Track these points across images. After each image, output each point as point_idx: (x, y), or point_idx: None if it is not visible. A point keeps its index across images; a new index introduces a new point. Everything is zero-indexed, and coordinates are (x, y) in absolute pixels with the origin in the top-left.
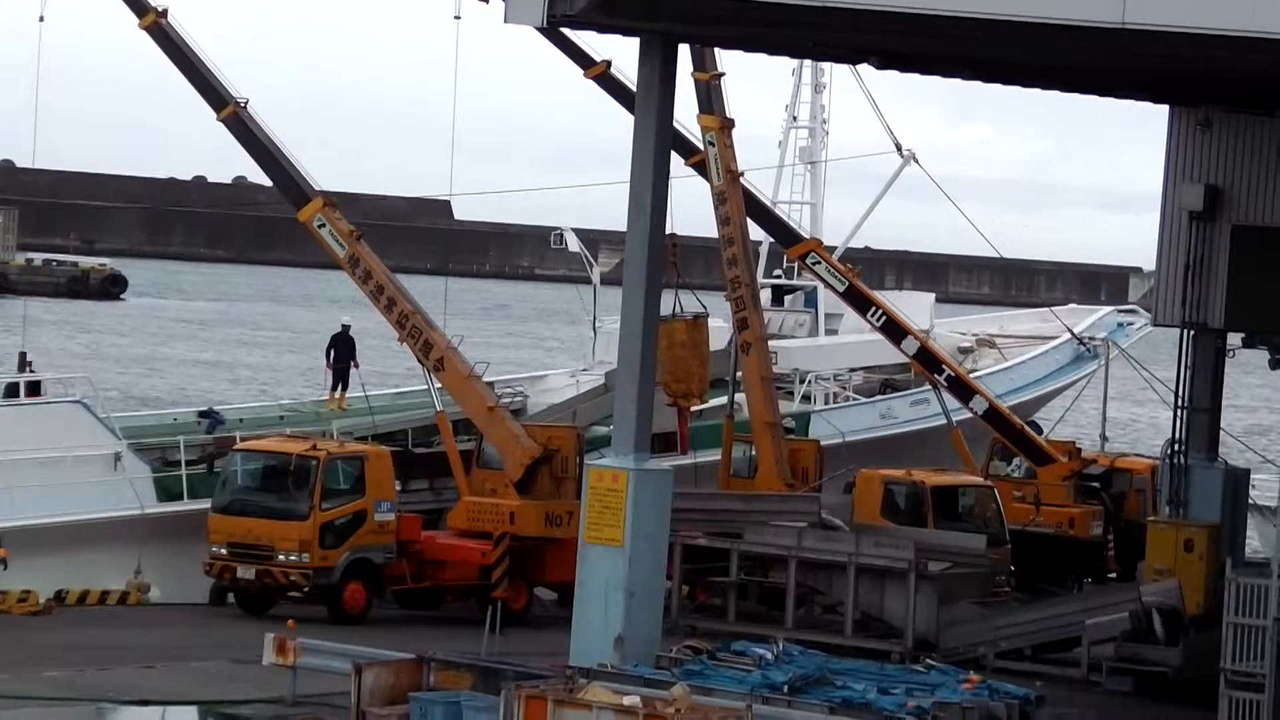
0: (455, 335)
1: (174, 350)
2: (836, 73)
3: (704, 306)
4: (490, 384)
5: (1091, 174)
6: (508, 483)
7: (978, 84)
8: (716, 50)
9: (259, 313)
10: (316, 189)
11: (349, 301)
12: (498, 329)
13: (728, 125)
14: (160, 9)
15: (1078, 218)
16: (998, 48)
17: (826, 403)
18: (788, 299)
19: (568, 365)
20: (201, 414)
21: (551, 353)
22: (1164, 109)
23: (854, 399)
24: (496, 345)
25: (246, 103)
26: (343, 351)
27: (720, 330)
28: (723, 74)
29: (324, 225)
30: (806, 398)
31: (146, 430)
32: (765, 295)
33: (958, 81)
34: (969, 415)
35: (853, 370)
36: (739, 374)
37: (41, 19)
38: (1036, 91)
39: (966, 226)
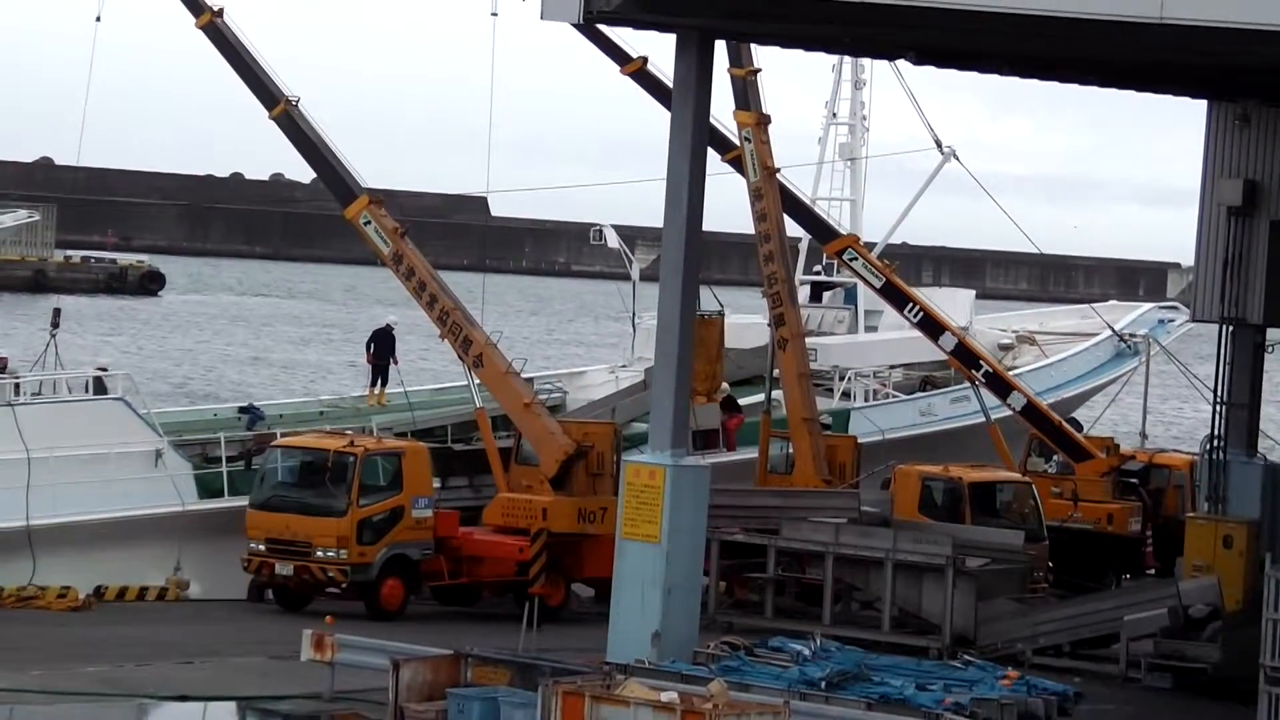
0: (494, 331)
1: (213, 346)
2: (877, 68)
3: (720, 304)
4: (529, 380)
5: (1133, 168)
6: (543, 479)
7: (1018, 78)
8: (753, 46)
9: (298, 309)
10: (363, 186)
11: (388, 298)
12: (539, 325)
13: (764, 121)
14: (216, 8)
15: (1118, 213)
16: (1035, 43)
17: (866, 400)
18: (826, 295)
19: (609, 361)
20: (242, 410)
21: (593, 349)
22: (1203, 104)
23: (894, 396)
24: (538, 342)
25: (298, 101)
26: (383, 347)
27: (757, 327)
28: (759, 70)
29: (369, 222)
30: (846, 394)
31: (187, 426)
32: (804, 292)
33: (997, 76)
34: (1007, 412)
35: (892, 367)
36: (776, 371)
37: (98, 19)
38: (1077, 85)
39: (1004, 222)
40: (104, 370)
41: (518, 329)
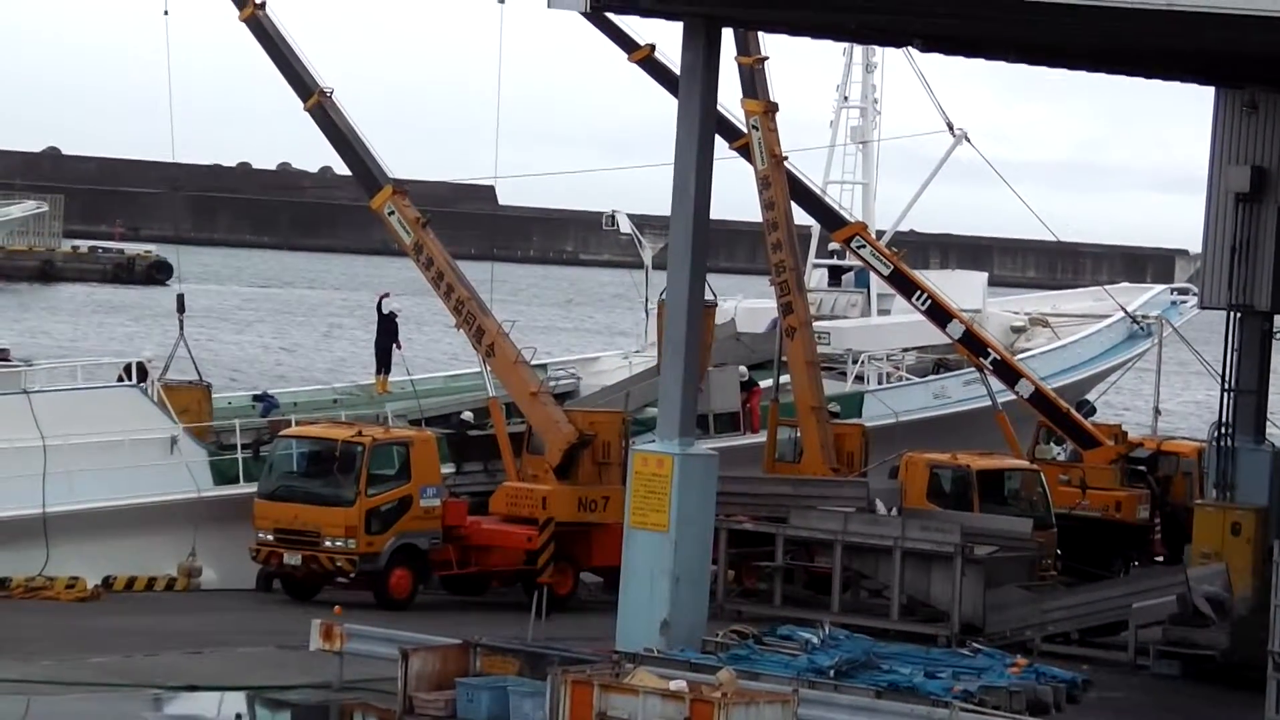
0: (506, 320)
1: (225, 335)
2: (889, 53)
3: (713, 293)
4: (543, 366)
5: (1144, 155)
6: (548, 467)
7: (1026, 64)
8: (760, 34)
9: (310, 298)
10: (389, 177)
11: (395, 288)
12: (558, 313)
13: (772, 109)
14: (259, 1)
15: (1129, 200)
16: (1042, 30)
17: (880, 383)
18: (844, 278)
19: (623, 348)
20: (256, 398)
21: (611, 335)
22: (1211, 90)
23: (907, 379)
24: (557, 330)
25: (332, 92)
26: (384, 334)
27: (770, 311)
28: (766, 58)
29: (393, 212)
30: (860, 378)
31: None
32: (822, 275)
33: (1004, 62)
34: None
35: (905, 350)
36: (784, 358)
37: (166, 12)
38: (1084, 72)
39: (1011, 209)
40: (149, 360)
41: (533, 317)
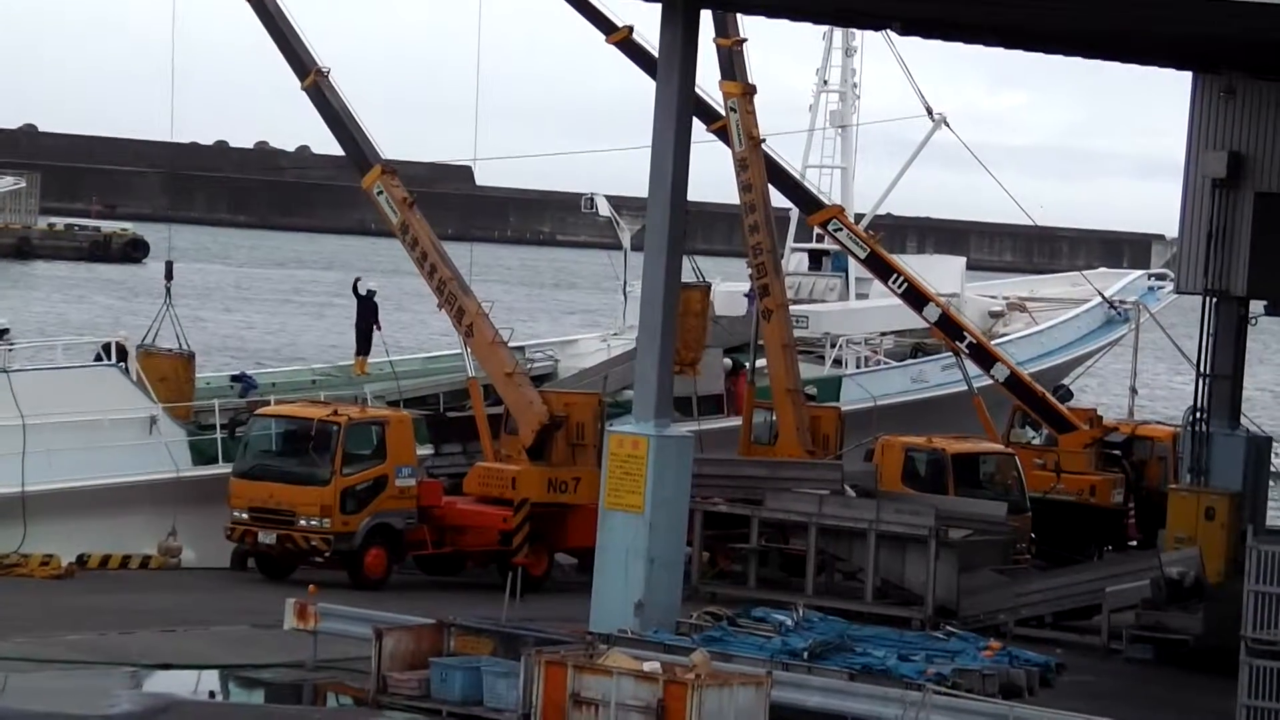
0: (486, 301)
1: (202, 314)
2: (869, 37)
3: (701, 275)
4: (521, 348)
5: (1128, 141)
6: (521, 448)
7: (1018, 51)
8: (739, 16)
9: (289, 277)
10: (380, 157)
11: (374, 267)
12: (532, 295)
13: (750, 91)
14: None
15: (1109, 185)
16: (1019, 12)
17: (858, 367)
18: (824, 262)
19: (600, 329)
20: (235, 378)
21: (593, 316)
22: (1189, 76)
23: (885, 363)
24: (538, 312)
25: (328, 72)
26: (363, 316)
27: (742, 294)
28: (744, 39)
29: (382, 192)
30: (838, 362)
31: None
32: (801, 259)
33: (999, 49)
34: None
35: (884, 334)
36: (761, 340)
37: None
38: (1062, 56)
39: (989, 193)
40: (127, 338)
41: (514, 299)
